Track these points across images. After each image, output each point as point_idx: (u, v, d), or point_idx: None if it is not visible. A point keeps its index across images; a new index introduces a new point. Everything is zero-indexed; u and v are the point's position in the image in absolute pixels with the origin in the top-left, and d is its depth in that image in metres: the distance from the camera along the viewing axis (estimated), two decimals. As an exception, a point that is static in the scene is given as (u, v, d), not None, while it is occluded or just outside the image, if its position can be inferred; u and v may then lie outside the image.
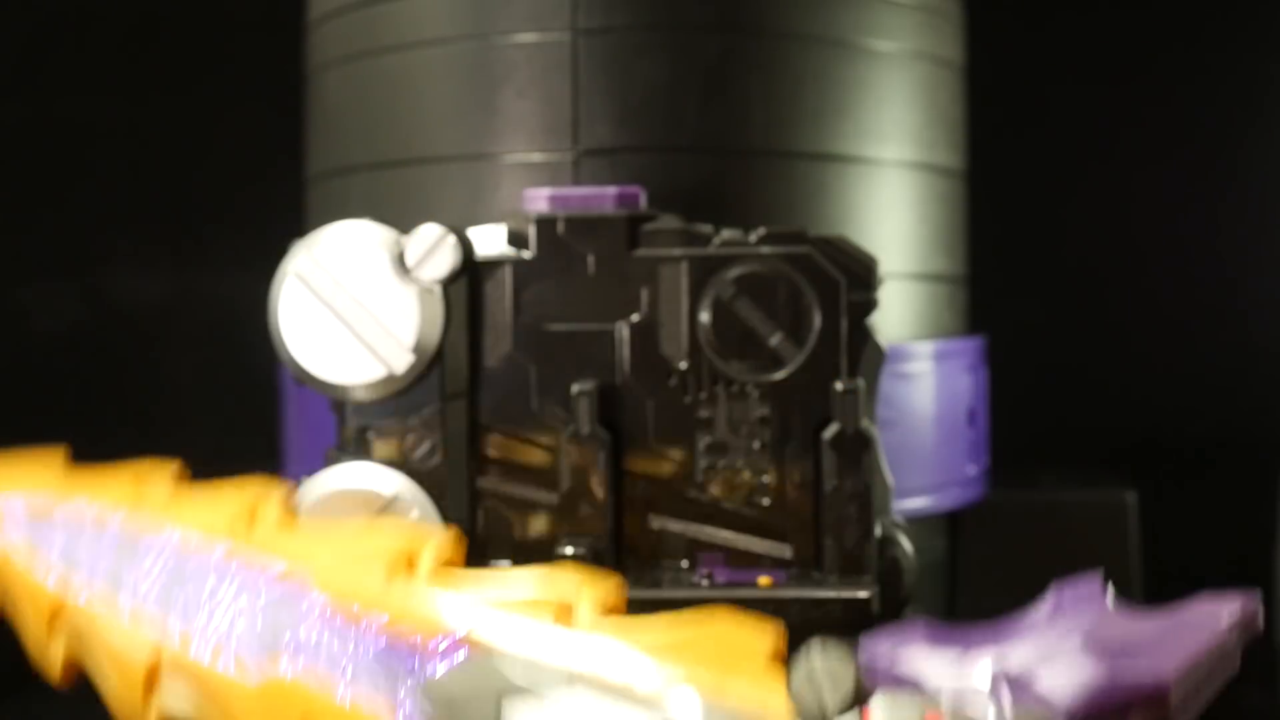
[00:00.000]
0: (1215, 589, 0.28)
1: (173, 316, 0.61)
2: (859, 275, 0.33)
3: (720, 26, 0.36)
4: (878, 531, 0.33)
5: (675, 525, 0.33)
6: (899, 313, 0.38)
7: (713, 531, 0.33)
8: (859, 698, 0.26)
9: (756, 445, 0.33)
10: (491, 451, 0.33)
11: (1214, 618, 0.26)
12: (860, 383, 0.33)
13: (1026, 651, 0.26)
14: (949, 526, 0.41)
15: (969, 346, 0.40)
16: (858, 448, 0.33)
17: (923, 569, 0.34)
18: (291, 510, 0.32)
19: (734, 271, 0.33)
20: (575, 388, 0.33)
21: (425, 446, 0.33)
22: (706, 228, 0.33)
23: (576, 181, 0.36)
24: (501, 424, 0.33)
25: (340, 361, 0.32)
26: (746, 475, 0.33)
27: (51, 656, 0.32)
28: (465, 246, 0.33)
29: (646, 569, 0.33)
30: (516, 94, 0.36)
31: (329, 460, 0.33)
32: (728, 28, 0.36)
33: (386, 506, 0.33)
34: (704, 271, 0.33)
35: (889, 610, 0.32)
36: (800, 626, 0.32)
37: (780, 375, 0.33)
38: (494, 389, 0.33)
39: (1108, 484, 0.47)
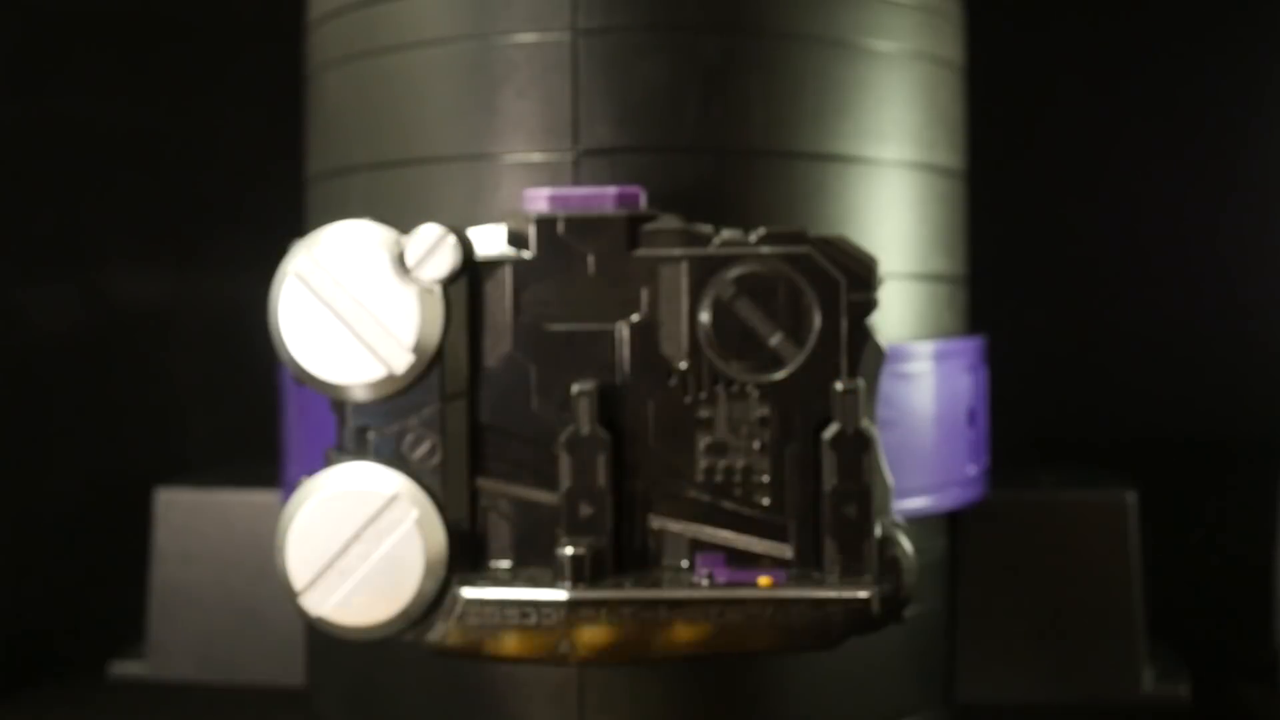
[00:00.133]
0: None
1: (173, 316, 0.61)
2: (859, 275, 0.33)
3: (720, 26, 0.36)
4: (878, 531, 0.33)
5: (675, 525, 0.33)
6: (899, 313, 0.38)
7: (713, 531, 0.33)
8: None
9: (756, 445, 0.33)
10: (491, 451, 0.33)
11: None
12: (860, 383, 0.33)
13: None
14: (949, 526, 0.41)
15: (969, 346, 0.40)
16: (858, 448, 0.33)
17: (923, 569, 0.34)
18: None
19: (734, 271, 0.33)
20: (575, 388, 0.33)
21: (425, 446, 0.33)
22: (706, 228, 0.33)
23: (576, 181, 0.36)
24: (501, 424, 0.33)
25: (340, 361, 0.32)
26: (746, 475, 0.33)
27: None
28: (465, 246, 0.33)
29: (646, 569, 0.33)
30: (516, 94, 0.36)
31: (329, 460, 0.33)
32: (728, 28, 0.36)
33: (386, 506, 0.33)
34: (704, 271, 0.33)
35: (889, 610, 0.32)
36: (800, 626, 0.32)
37: (780, 375, 0.33)
38: (494, 389, 0.33)
39: (1108, 484, 0.47)
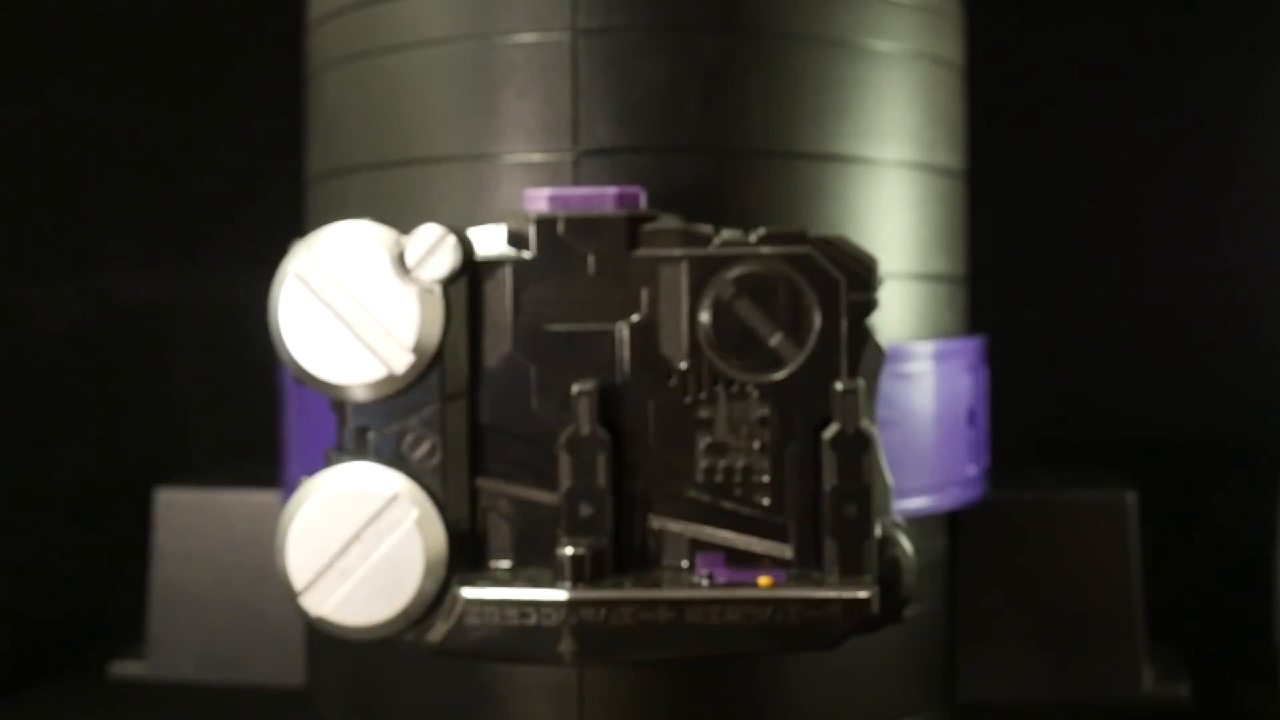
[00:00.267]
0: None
1: (173, 316, 0.61)
2: (859, 275, 0.33)
3: (720, 26, 0.36)
4: (878, 531, 0.33)
5: (675, 525, 0.33)
6: (899, 313, 0.38)
7: (713, 531, 0.33)
8: None
9: (756, 445, 0.33)
10: (491, 451, 0.33)
11: None
12: (860, 383, 0.33)
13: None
14: (949, 526, 0.41)
15: (969, 346, 0.40)
16: (858, 448, 0.33)
17: (923, 569, 0.34)
18: None
19: (734, 271, 0.33)
20: (575, 388, 0.33)
21: (425, 446, 0.33)
22: (706, 228, 0.33)
23: (576, 181, 0.36)
24: (501, 424, 0.33)
25: (340, 361, 0.32)
26: (746, 475, 0.33)
27: None
28: (465, 246, 0.33)
29: (646, 569, 0.33)
30: (516, 94, 0.36)
31: (329, 460, 0.33)
32: (728, 28, 0.36)
33: (386, 506, 0.33)
34: (704, 271, 0.33)
35: (889, 610, 0.32)
36: (800, 626, 0.32)
37: (780, 375, 0.33)
38: (494, 389, 0.33)
39: (1108, 484, 0.47)
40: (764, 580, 0.32)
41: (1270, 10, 0.57)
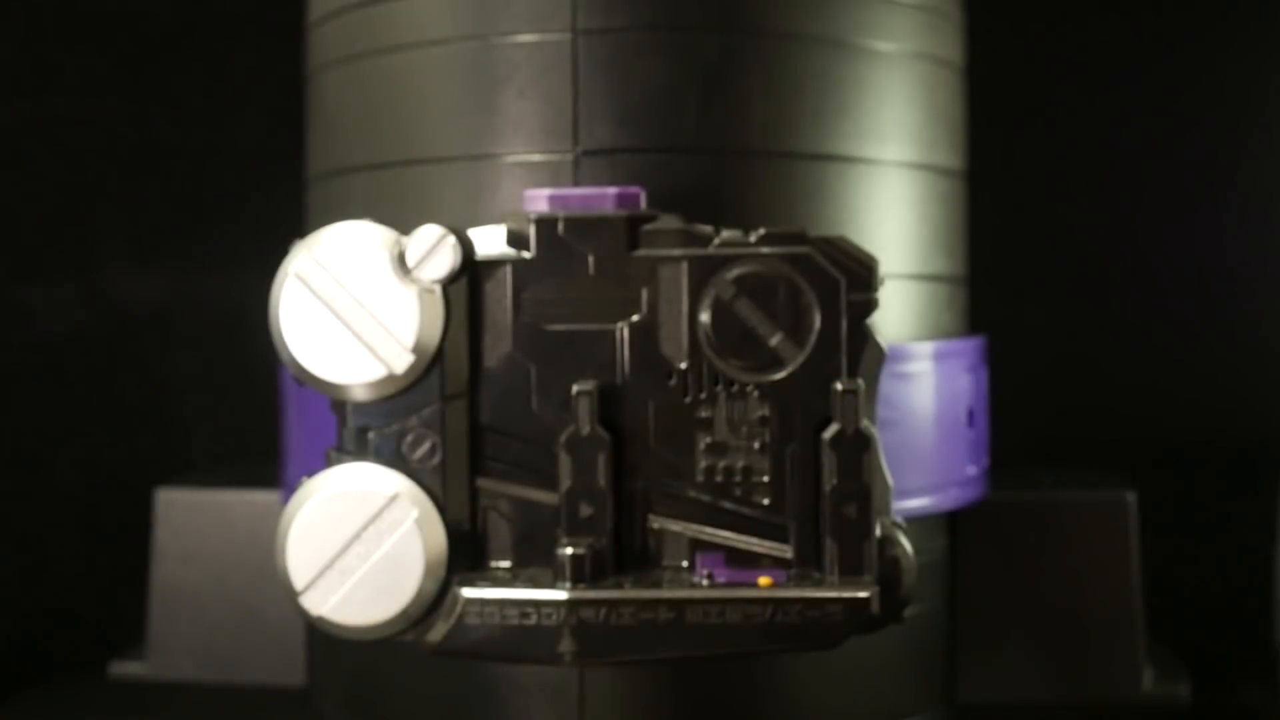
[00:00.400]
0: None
1: (173, 316, 0.61)
2: (859, 275, 0.33)
3: (720, 26, 0.36)
4: (878, 531, 0.33)
5: (675, 525, 0.33)
6: (899, 313, 0.38)
7: (713, 531, 0.33)
8: None
9: (756, 445, 0.33)
10: (491, 451, 0.33)
11: None
12: (860, 383, 0.33)
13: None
14: (949, 526, 0.41)
15: (969, 346, 0.40)
16: (858, 448, 0.33)
17: (923, 569, 0.34)
18: None
19: (734, 271, 0.33)
20: (575, 388, 0.33)
21: (425, 446, 0.33)
22: (706, 228, 0.33)
23: (576, 182, 0.36)
24: (501, 424, 0.33)
25: (340, 361, 0.32)
26: (746, 475, 0.33)
27: None
28: (465, 246, 0.33)
29: (646, 569, 0.33)
30: (516, 94, 0.36)
31: (329, 460, 0.33)
32: (728, 28, 0.36)
33: (386, 506, 0.33)
34: (704, 271, 0.33)
35: (889, 610, 0.32)
36: (800, 626, 0.32)
37: (780, 375, 0.33)
38: (494, 389, 0.33)
39: (1108, 484, 0.47)
40: (764, 580, 0.32)
41: (1270, 10, 0.57)
